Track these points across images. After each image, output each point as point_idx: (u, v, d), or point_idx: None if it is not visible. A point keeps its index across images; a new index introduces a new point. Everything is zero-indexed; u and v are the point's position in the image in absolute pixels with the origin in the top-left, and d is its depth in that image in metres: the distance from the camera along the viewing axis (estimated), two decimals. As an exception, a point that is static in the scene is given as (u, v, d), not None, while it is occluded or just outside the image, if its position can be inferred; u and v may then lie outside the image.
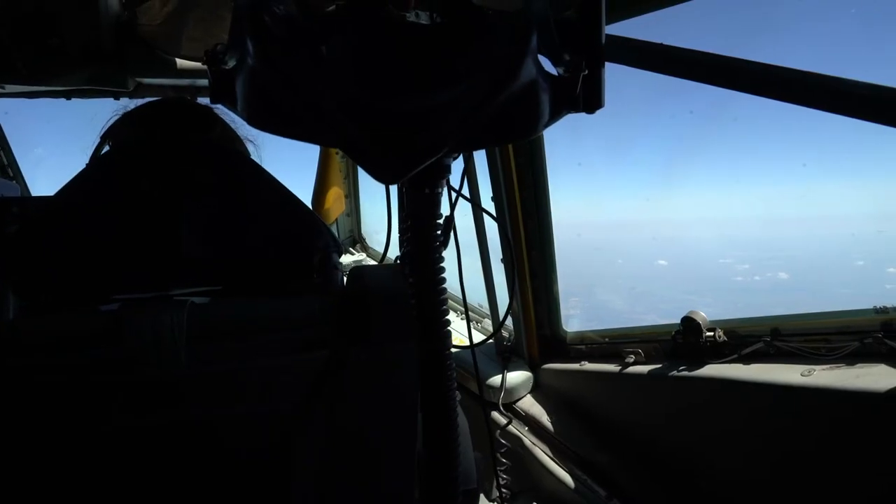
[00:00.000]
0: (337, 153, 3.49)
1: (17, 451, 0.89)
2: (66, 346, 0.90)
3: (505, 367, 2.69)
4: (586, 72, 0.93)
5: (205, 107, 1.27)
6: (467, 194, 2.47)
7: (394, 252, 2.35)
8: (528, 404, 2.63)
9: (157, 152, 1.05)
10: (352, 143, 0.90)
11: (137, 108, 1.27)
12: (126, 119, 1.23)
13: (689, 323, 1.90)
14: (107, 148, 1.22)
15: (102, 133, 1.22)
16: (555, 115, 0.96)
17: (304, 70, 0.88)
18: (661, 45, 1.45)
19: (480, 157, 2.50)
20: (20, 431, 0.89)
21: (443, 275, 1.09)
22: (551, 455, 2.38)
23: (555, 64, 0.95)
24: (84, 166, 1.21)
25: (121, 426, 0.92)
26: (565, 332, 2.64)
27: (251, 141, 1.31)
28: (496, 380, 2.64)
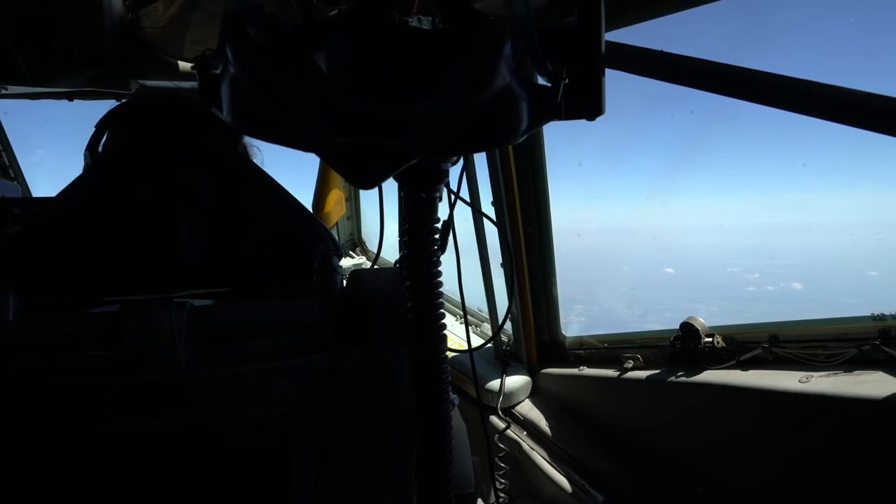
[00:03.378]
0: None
1: (16, 453, 0.89)
2: (65, 347, 0.90)
3: (504, 371, 2.69)
4: (567, 80, 0.93)
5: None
6: (467, 198, 2.49)
7: (388, 254, 2.36)
8: (527, 409, 2.63)
9: (157, 155, 1.05)
10: (327, 149, 0.90)
11: (140, 104, 1.26)
12: (128, 114, 1.23)
13: (687, 328, 1.90)
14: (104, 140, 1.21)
15: (99, 122, 1.22)
16: (534, 123, 0.96)
17: (282, 76, 0.88)
18: (660, 51, 1.46)
19: (481, 161, 2.51)
20: (19, 433, 0.89)
21: (439, 279, 1.09)
22: (549, 459, 2.38)
23: (538, 71, 0.95)
24: (82, 159, 1.21)
25: (119, 429, 0.92)
26: (564, 336, 2.64)
27: (257, 147, 1.31)
28: (495, 384, 2.64)
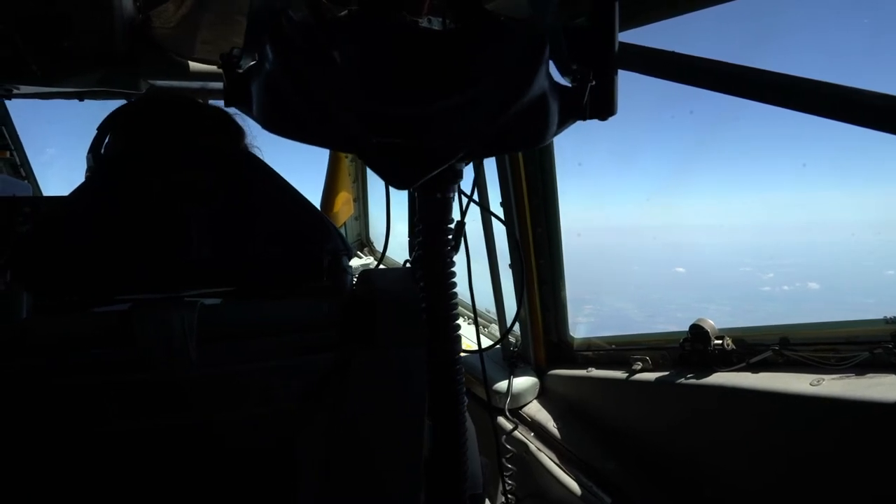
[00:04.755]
0: (346, 157, 3.50)
1: (24, 451, 0.89)
2: (77, 346, 0.90)
3: (511, 372, 2.69)
4: (594, 82, 0.93)
5: (216, 109, 1.27)
6: (477, 200, 2.49)
7: (394, 254, 2.36)
8: (535, 410, 2.63)
9: (161, 156, 1.05)
10: (365, 149, 0.90)
11: (142, 106, 1.26)
12: (130, 116, 1.23)
13: (697, 330, 1.89)
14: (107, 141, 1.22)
15: (100, 125, 1.22)
16: (562, 125, 0.96)
17: (321, 76, 0.88)
18: (672, 52, 1.45)
19: (490, 164, 2.51)
20: (29, 431, 0.89)
21: (453, 279, 1.10)
22: (557, 461, 2.37)
23: (562, 73, 0.95)
24: (86, 160, 1.22)
25: (127, 428, 0.92)
26: (572, 338, 2.64)
27: (258, 148, 1.31)
28: (502, 385, 2.64)
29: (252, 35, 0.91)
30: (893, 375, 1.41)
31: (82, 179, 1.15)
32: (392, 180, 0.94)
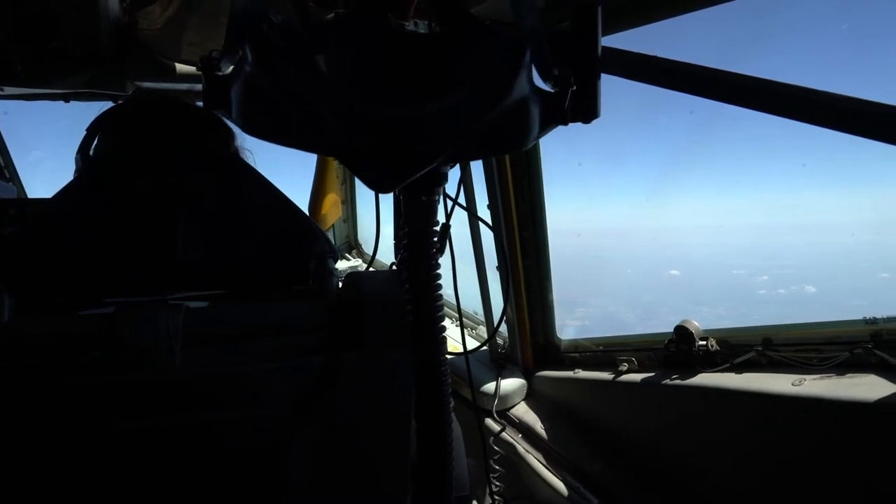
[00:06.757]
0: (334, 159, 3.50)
1: (16, 453, 0.89)
2: (62, 348, 0.90)
3: (499, 374, 2.69)
4: (574, 87, 0.94)
5: (206, 110, 1.27)
6: (463, 202, 2.49)
7: (383, 256, 2.36)
8: (522, 411, 2.64)
9: (151, 158, 1.05)
10: (346, 152, 0.90)
11: (131, 108, 1.26)
12: (119, 117, 1.23)
13: (681, 331, 1.91)
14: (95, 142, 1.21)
15: (89, 126, 1.22)
16: (544, 129, 0.97)
17: (302, 78, 0.89)
18: (655, 57, 1.46)
19: (477, 166, 2.51)
20: (19, 433, 0.89)
21: (439, 281, 1.10)
22: (544, 462, 2.38)
23: (544, 78, 0.96)
24: (74, 162, 1.21)
25: (117, 429, 0.92)
26: (559, 339, 2.65)
27: (248, 150, 1.31)
28: (490, 387, 2.65)
29: (232, 37, 0.91)
30: (872, 375, 1.44)
31: (68, 181, 1.14)
32: (373, 184, 0.94)
